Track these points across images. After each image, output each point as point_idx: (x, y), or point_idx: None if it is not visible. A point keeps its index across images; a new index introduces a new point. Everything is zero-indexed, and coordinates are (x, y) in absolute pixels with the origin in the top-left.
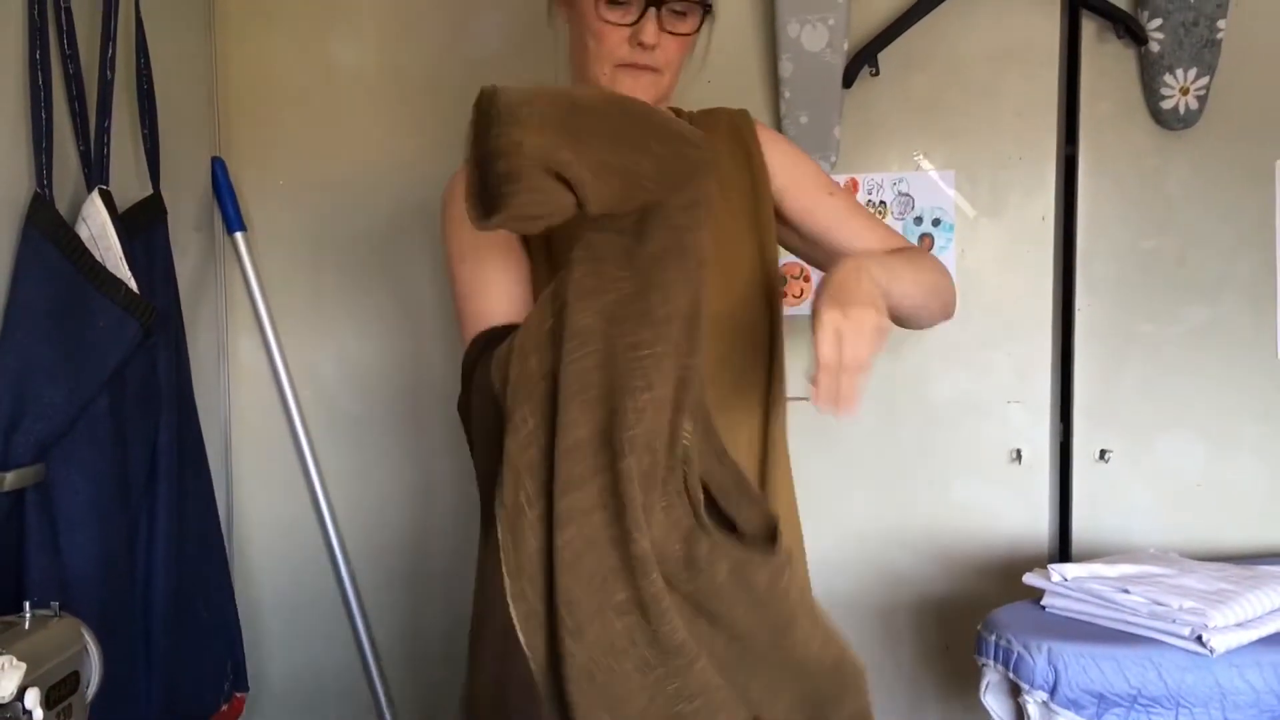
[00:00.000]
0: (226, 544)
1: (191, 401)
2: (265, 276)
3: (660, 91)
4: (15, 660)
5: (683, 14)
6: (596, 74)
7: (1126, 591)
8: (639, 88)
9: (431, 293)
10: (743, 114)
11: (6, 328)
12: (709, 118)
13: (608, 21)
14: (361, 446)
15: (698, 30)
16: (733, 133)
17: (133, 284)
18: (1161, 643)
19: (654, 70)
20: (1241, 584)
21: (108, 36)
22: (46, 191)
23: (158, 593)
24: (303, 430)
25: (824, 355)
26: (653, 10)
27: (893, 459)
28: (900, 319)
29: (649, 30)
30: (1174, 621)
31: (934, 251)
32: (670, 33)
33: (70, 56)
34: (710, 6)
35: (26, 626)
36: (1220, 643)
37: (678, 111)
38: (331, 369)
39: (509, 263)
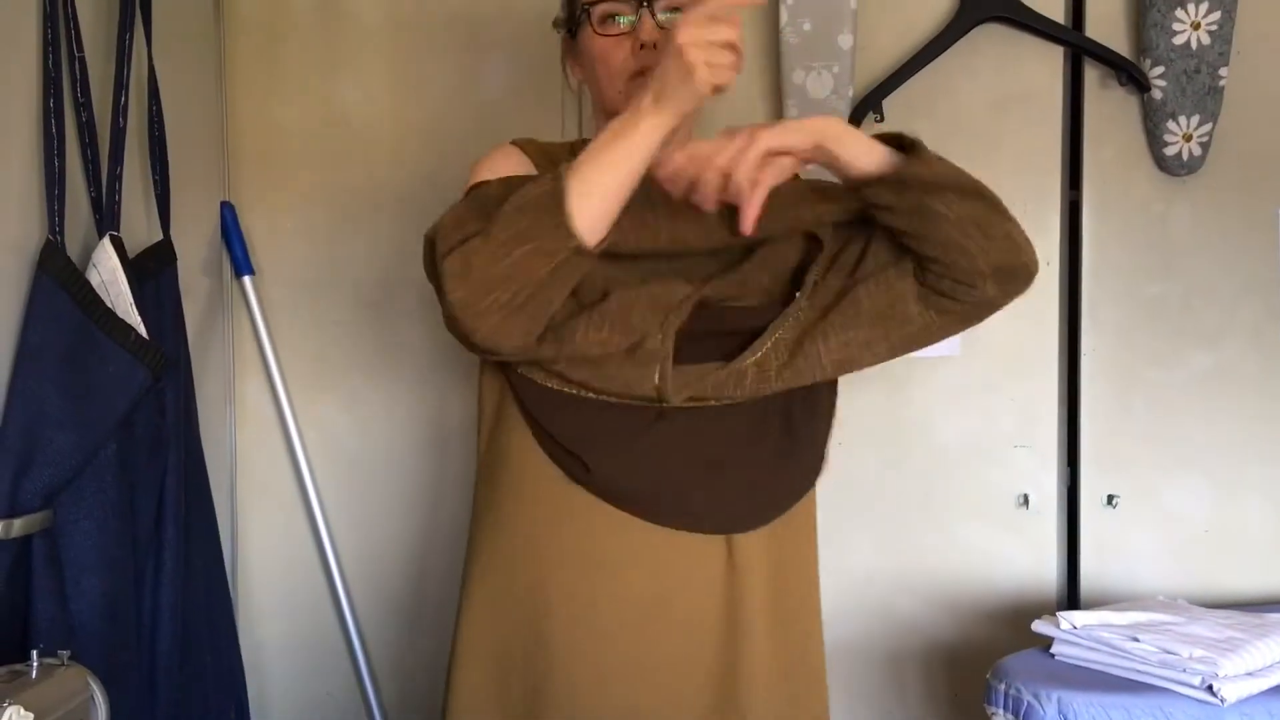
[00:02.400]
0: (231, 587)
1: (198, 445)
2: (272, 319)
3: None
4: (23, 710)
5: (677, 8)
6: (613, 97)
7: (1136, 640)
8: None
9: (438, 337)
10: None
11: (17, 374)
12: None
13: (607, 36)
14: (366, 489)
15: None
16: None
17: (142, 329)
18: (1172, 692)
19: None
20: (1251, 632)
21: (121, 85)
22: (58, 238)
23: (163, 638)
24: (308, 473)
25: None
26: (645, 10)
27: (899, 503)
28: (930, 218)
29: (647, 29)
30: (1184, 670)
31: None
32: (667, 28)
33: (83, 105)
34: None
35: (34, 675)
36: (1231, 692)
37: None
38: (337, 411)
39: None
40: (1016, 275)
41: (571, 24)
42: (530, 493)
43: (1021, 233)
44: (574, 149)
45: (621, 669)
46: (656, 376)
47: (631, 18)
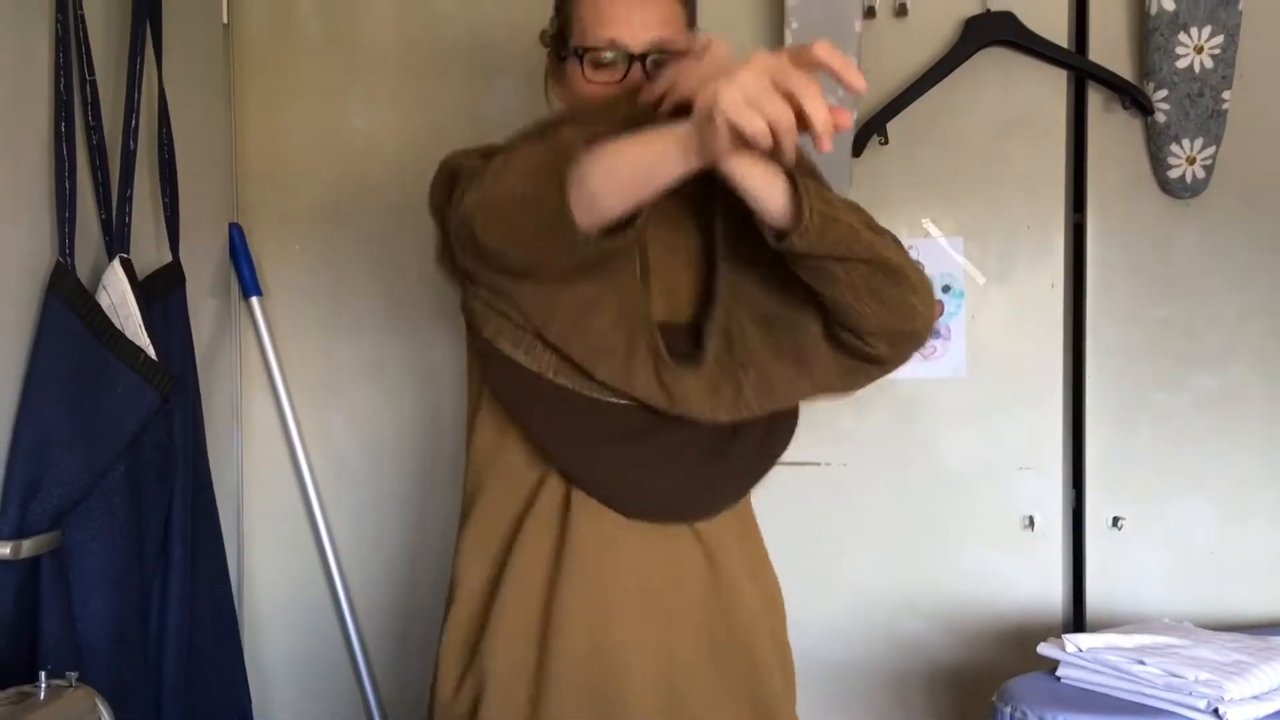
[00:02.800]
0: (237, 607)
1: (205, 465)
2: (279, 340)
3: None
4: None
5: (665, 62)
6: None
7: (1142, 663)
8: None
9: (445, 357)
10: None
11: (26, 396)
12: None
13: (595, 82)
14: (373, 510)
15: None
16: None
17: (151, 351)
18: (1178, 715)
19: None
20: (1257, 655)
21: (131, 108)
22: (68, 260)
23: (169, 659)
24: (314, 493)
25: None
26: (638, 65)
27: (904, 525)
28: (824, 278)
29: (634, 82)
30: (1190, 694)
31: (944, 318)
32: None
33: (94, 128)
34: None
35: (42, 697)
36: (1236, 715)
37: None
38: (344, 432)
39: None
40: (904, 341)
41: (560, 50)
42: (506, 484)
43: (924, 298)
44: None
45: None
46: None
47: (607, 55)
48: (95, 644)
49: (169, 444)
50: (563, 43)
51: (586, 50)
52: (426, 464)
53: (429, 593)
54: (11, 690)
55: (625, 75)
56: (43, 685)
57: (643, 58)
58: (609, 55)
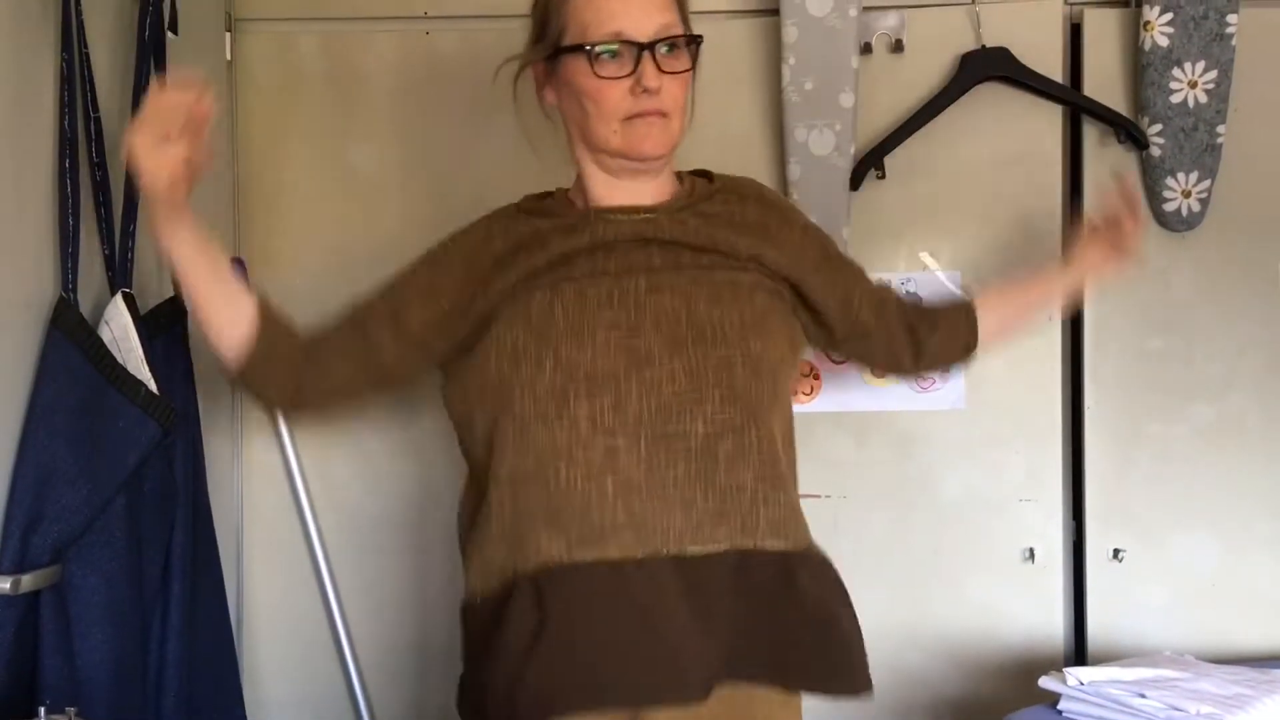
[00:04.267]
0: (236, 643)
1: (206, 500)
2: None
3: (673, 138)
4: None
5: (675, 52)
6: (604, 135)
7: (1143, 696)
8: (652, 135)
9: None
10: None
11: (28, 430)
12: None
13: (605, 78)
14: (374, 546)
15: (694, 66)
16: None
17: (153, 385)
18: None
19: (663, 114)
20: (1259, 688)
21: None
22: (71, 295)
23: (168, 695)
24: (314, 529)
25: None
26: (648, 54)
27: (905, 558)
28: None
29: (649, 74)
30: None
31: None
32: (669, 73)
33: (98, 164)
34: (699, 39)
35: None
36: None
37: (706, 175)
38: (345, 468)
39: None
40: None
41: (552, 52)
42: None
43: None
44: (552, 196)
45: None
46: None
47: (613, 48)
48: (95, 678)
49: (170, 478)
50: (547, 39)
51: (594, 45)
52: (427, 499)
53: (431, 632)
54: None
55: (636, 66)
56: None
57: (651, 46)
58: (616, 48)
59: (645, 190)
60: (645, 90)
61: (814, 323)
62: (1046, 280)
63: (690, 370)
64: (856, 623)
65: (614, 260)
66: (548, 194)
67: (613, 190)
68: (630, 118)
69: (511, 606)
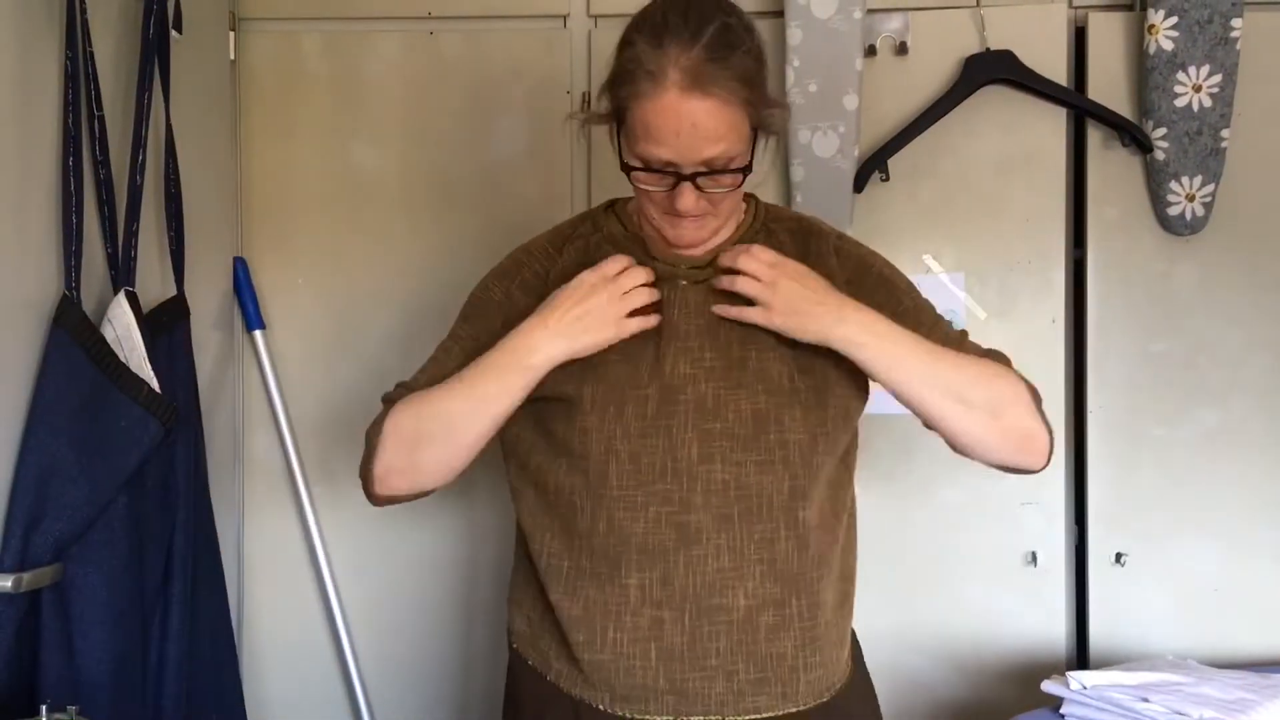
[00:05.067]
0: (236, 642)
1: (207, 499)
2: (282, 373)
3: (713, 232)
4: None
5: (721, 175)
6: (649, 214)
7: (1146, 700)
8: (686, 236)
9: None
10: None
11: (30, 428)
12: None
13: (646, 187)
14: (374, 543)
15: (743, 180)
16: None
17: (155, 383)
18: None
19: (699, 217)
20: (1261, 692)
21: (138, 143)
22: (74, 293)
23: (168, 694)
24: (315, 525)
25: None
26: (686, 184)
27: (906, 562)
28: (928, 415)
29: (685, 200)
30: None
31: None
32: (712, 188)
33: (102, 162)
34: (749, 168)
35: None
36: None
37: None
38: (346, 465)
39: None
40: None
41: (617, 143)
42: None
43: (1027, 414)
44: (578, 227)
45: None
46: None
47: (670, 184)
48: (95, 678)
49: (171, 477)
50: (618, 127)
51: (635, 166)
52: (428, 499)
53: (431, 629)
54: None
55: (674, 186)
56: (43, 719)
57: (692, 176)
58: (658, 171)
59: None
60: (679, 213)
61: None
62: None
63: (734, 547)
64: None
65: (671, 359)
66: (590, 216)
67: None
68: (669, 214)
69: (556, 711)
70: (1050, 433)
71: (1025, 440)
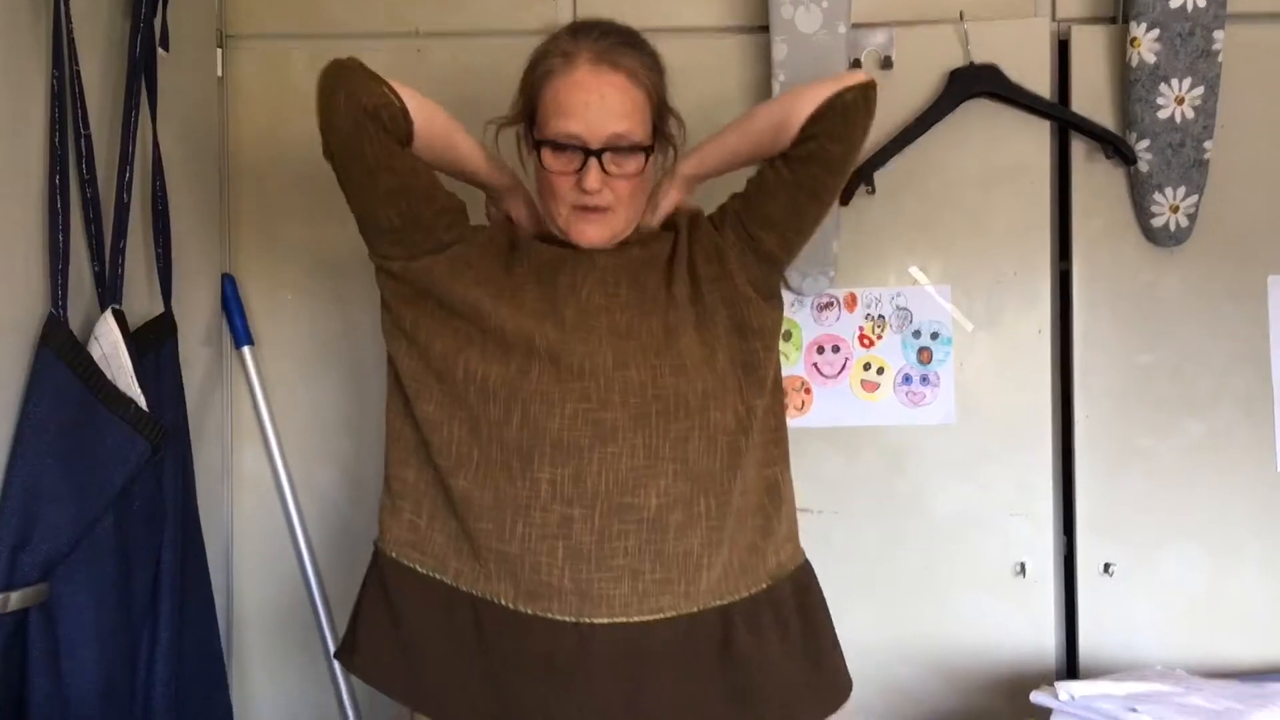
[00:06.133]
0: (226, 657)
1: (195, 516)
2: (271, 390)
3: (614, 228)
4: None
5: (627, 155)
6: (553, 213)
7: (1134, 710)
8: (591, 229)
9: None
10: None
11: (17, 447)
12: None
13: (554, 171)
14: (364, 561)
15: (644, 168)
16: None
17: (142, 402)
18: None
19: (604, 210)
20: (1248, 702)
21: (125, 161)
22: (61, 312)
23: (157, 714)
24: (304, 543)
25: None
26: (593, 160)
27: (895, 573)
28: (752, 150)
29: (591, 178)
30: None
31: (932, 364)
32: (616, 173)
33: (88, 181)
34: (652, 149)
35: None
36: None
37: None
38: (334, 482)
39: None
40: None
41: (528, 131)
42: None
43: (794, 97)
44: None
45: None
46: None
47: (578, 164)
48: (83, 697)
49: (159, 495)
50: (530, 124)
51: (545, 142)
52: None
53: None
54: None
55: (582, 165)
56: None
57: (599, 152)
58: (567, 146)
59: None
60: (585, 191)
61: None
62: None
63: (649, 446)
64: (802, 659)
65: (586, 290)
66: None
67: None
68: (577, 208)
69: (454, 615)
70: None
71: (819, 86)
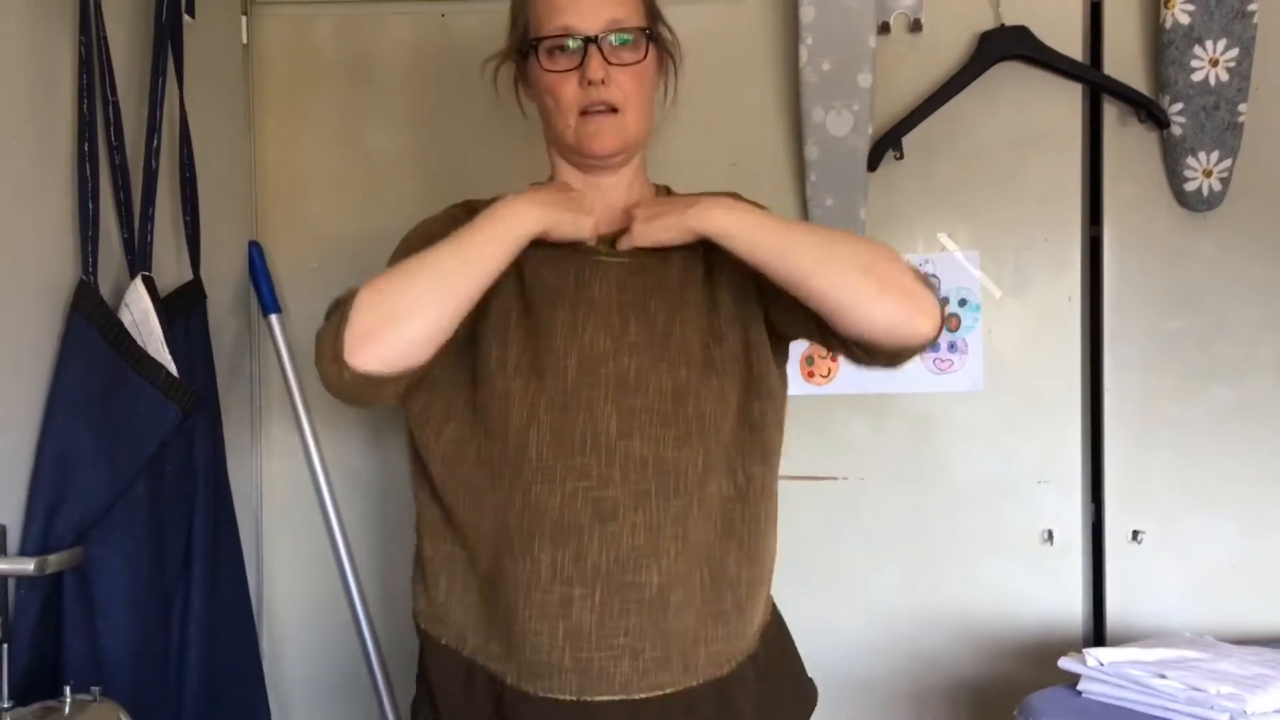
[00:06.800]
0: (257, 623)
1: (226, 482)
2: (298, 357)
3: (626, 134)
4: None
5: (628, 44)
6: (561, 130)
7: (1163, 676)
8: (602, 132)
9: None
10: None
11: (50, 413)
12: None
13: (554, 71)
14: (392, 527)
15: (645, 57)
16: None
17: (173, 368)
18: None
19: (613, 110)
20: (1278, 669)
21: (153, 128)
22: (91, 278)
23: (190, 676)
24: (333, 510)
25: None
26: (594, 47)
27: (922, 540)
28: (800, 277)
29: (594, 66)
30: (1212, 708)
31: (960, 331)
32: (618, 64)
33: (117, 148)
34: (654, 33)
35: (66, 711)
36: None
37: (668, 191)
38: (362, 448)
39: None
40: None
41: (521, 51)
42: None
43: (892, 262)
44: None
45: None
46: None
47: (562, 41)
48: (118, 659)
49: (190, 461)
50: (521, 37)
51: (541, 40)
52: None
53: None
54: (37, 705)
55: (583, 59)
56: (67, 700)
57: (597, 39)
58: (567, 43)
59: (617, 189)
60: (589, 83)
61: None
62: None
63: (650, 524)
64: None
65: (589, 333)
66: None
67: (587, 191)
68: (583, 113)
69: (474, 689)
70: (935, 293)
71: (906, 295)
